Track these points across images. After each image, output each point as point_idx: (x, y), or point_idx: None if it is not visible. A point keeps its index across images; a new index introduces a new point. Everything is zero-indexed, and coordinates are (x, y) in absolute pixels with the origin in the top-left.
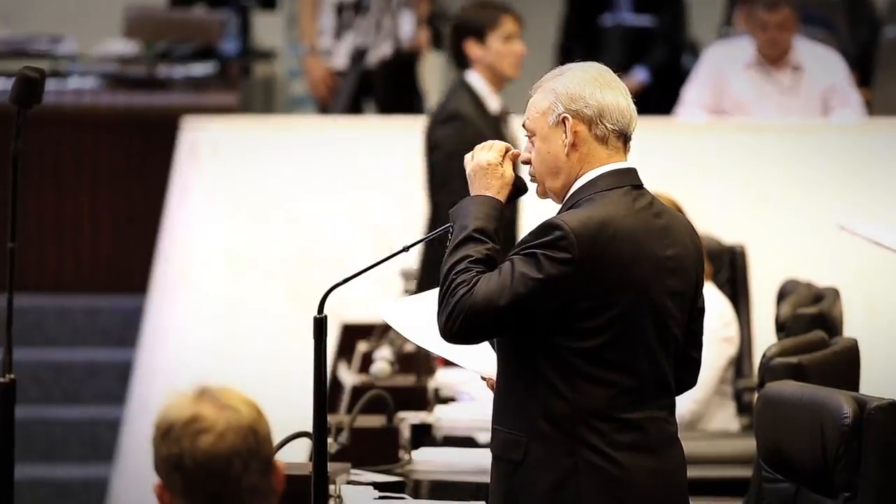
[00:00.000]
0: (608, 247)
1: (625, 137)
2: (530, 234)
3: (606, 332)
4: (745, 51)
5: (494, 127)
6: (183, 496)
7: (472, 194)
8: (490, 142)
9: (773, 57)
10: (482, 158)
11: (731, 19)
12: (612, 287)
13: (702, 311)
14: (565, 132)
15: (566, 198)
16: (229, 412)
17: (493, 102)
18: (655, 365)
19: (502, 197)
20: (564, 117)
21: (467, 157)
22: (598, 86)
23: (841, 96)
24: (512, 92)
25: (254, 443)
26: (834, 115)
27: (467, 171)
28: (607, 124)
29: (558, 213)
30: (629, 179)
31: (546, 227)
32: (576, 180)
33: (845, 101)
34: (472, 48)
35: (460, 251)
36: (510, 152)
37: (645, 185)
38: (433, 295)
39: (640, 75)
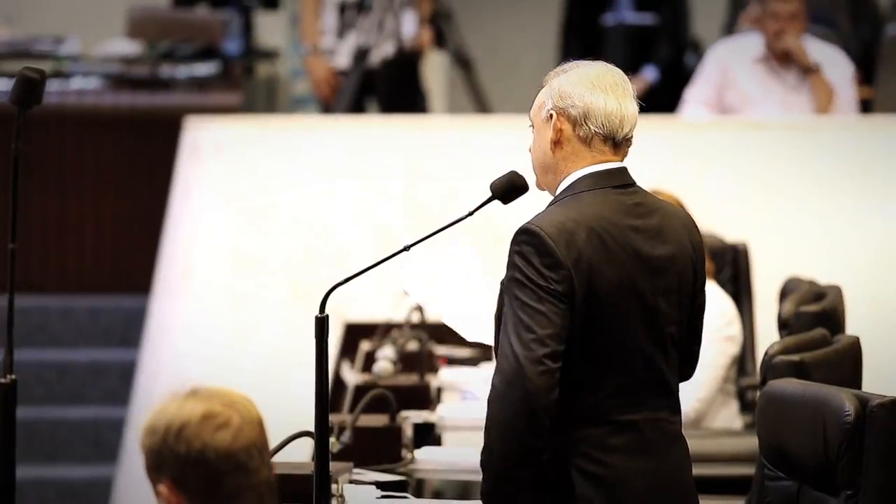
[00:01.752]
0: (581, 248)
1: (613, 141)
2: (510, 257)
3: (591, 334)
4: (753, 45)
5: None
6: (200, 493)
7: None
8: None
9: (782, 52)
10: None
11: (733, 26)
12: (589, 287)
13: (702, 307)
14: (551, 129)
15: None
16: (239, 407)
17: None
18: (651, 365)
19: None
20: (552, 114)
21: None
22: (590, 87)
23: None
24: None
25: (264, 437)
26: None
27: None
28: (591, 126)
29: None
30: (611, 180)
31: (520, 233)
32: (563, 179)
33: (839, 99)
34: None
35: None
36: None
37: (637, 184)
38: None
39: (648, 75)
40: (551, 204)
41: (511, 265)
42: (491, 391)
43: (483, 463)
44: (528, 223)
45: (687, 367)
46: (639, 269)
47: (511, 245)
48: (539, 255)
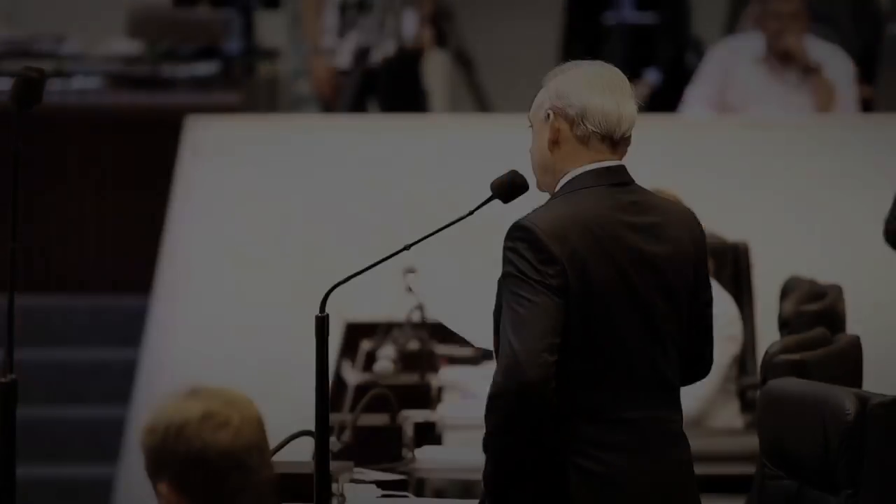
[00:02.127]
0: (575, 244)
1: (611, 140)
2: (504, 253)
3: (587, 331)
4: (754, 45)
5: None
6: (200, 493)
7: None
8: None
9: (783, 51)
10: None
11: (734, 26)
12: (583, 283)
13: (707, 304)
14: (549, 128)
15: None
16: (239, 406)
17: None
18: (649, 363)
19: None
20: (549, 113)
21: None
22: (587, 86)
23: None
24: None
25: (264, 436)
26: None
27: None
28: (589, 125)
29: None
30: (608, 178)
31: (513, 229)
32: (561, 179)
33: (840, 99)
34: None
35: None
36: None
37: (636, 182)
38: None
39: (651, 77)
40: (548, 201)
41: (506, 261)
42: (491, 385)
43: (484, 447)
44: (521, 219)
45: (700, 367)
46: (634, 266)
47: (505, 241)
48: (533, 251)
